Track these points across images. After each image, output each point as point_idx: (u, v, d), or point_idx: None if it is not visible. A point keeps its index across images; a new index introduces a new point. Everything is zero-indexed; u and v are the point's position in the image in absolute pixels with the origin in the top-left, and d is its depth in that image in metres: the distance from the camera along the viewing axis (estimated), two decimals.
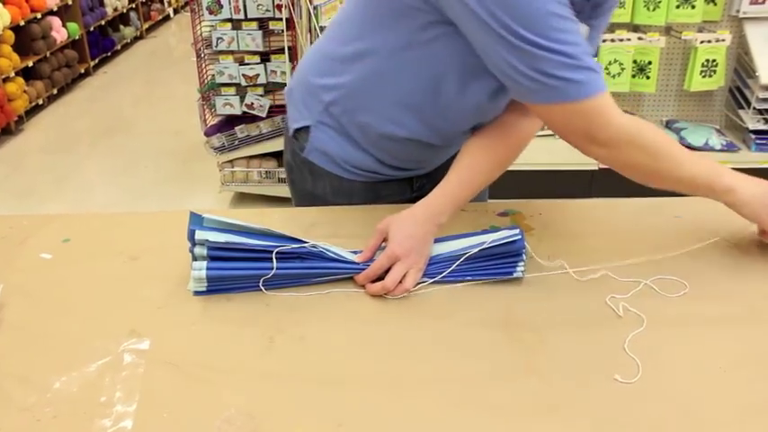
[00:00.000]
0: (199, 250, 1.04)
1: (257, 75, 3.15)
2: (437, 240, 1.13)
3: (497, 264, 1.09)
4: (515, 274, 1.08)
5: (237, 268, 1.04)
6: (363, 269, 1.07)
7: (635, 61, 2.88)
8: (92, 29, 6.15)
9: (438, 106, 1.15)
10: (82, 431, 0.81)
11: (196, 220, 1.06)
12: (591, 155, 1.06)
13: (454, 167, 1.14)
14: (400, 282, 1.05)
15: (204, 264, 1.03)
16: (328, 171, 1.28)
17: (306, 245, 1.06)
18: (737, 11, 2.83)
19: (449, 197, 1.12)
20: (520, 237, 1.07)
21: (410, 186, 1.36)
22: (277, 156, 3.33)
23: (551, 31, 0.94)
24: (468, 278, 1.09)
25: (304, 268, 1.06)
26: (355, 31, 1.16)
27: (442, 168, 1.27)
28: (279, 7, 3.03)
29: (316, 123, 1.26)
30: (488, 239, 1.08)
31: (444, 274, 1.08)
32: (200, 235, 1.03)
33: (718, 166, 1.09)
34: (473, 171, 1.14)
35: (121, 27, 6.99)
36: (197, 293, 1.05)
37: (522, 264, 1.08)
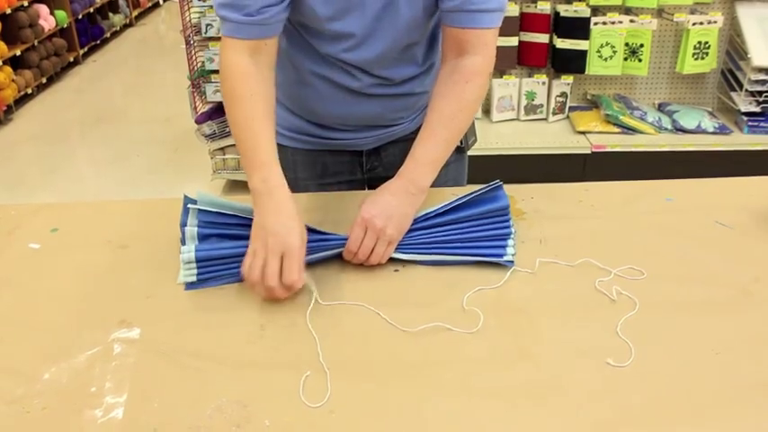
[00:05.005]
0: (189, 230, 1.06)
1: None
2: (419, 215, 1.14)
3: (488, 236, 1.10)
4: (505, 257, 1.08)
5: (226, 248, 1.06)
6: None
7: (627, 44, 2.87)
8: (80, 16, 6.08)
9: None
10: (72, 422, 0.80)
11: (190, 200, 1.11)
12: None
13: (419, 133, 1.16)
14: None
15: (193, 246, 1.05)
16: None
17: None
18: None
19: (417, 158, 1.13)
20: (499, 183, 1.14)
21: (360, 165, 1.37)
22: None
23: None
24: (458, 252, 1.09)
25: None
26: None
27: (390, 147, 1.32)
28: None
29: None
30: (467, 193, 1.13)
31: (426, 238, 1.10)
32: (194, 204, 1.08)
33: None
34: (434, 120, 1.14)
35: (110, 14, 6.92)
36: (188, 287, 1.04)
37: (511, 244, 1.10)
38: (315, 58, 1.19)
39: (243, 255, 1.03)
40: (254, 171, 1.05)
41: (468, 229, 1.12)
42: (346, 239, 1.07)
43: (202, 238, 1.08)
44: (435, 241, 1.10)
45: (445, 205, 1.12)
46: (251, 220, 1.06)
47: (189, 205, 1.09)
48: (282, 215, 1.01)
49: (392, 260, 1.09)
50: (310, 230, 1.08)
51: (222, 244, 1.07)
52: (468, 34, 1.11)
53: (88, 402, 0.83)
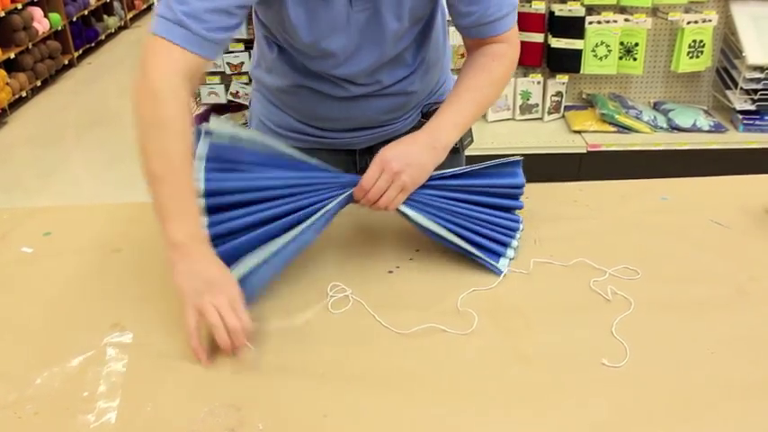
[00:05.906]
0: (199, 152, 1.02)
1: (242, 63, 3.12)
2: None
3: (495, 224, 1.10)
4: (500, 262, 1.07)
5: (233, 179, 1.02)
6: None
7: (622, 43, 2.87)
8: (74, 19, 6.06)
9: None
10: (64, 427, 0.80)
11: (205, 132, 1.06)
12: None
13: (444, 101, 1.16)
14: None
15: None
16: None
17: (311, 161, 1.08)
18: None
19: (444, 117, 1.12)
20: (520, 159, 1.12)
21: (354, 164, 1.37)
22: None
23: None
24: (461, 234, 1.07)
25: (304, 178, 1.05)
26: None
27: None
28: None
29: (253, 92, 1.35)
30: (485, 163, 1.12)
31: (436, 201, 1.08)
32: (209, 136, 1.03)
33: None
34: (461, 87, 1.15)
35: (105, 17, 6.90)
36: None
37: (514, 245, 1.10)
38: (303, 73, 1.19)
39: (257, 188, 1.01)
40: (180, 220, 0.93)
41: (478, 207, 1.10)
42: (358, 180, 1.06)
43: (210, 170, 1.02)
44: (444, 208, 1.08)
45: (462, 168, 1.11)
46: (272, 156, 1.03)
47: (202, 135, 1.03)
48: (217, 264, 0.94)
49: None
50: (322, 170, 1.07)
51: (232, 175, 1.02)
52: (489, 40, 1.14)
53: (81, 407, 0.82)
